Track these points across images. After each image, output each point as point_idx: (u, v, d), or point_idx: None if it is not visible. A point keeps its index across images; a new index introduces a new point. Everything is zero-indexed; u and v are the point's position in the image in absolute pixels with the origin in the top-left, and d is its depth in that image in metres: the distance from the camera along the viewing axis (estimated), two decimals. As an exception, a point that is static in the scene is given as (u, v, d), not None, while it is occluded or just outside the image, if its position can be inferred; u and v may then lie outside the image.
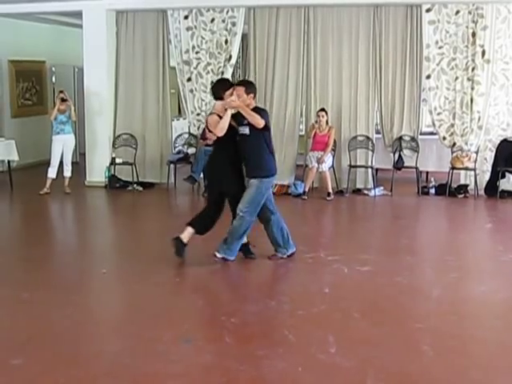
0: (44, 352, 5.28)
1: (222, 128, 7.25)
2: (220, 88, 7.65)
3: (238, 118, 7.36)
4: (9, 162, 13.36)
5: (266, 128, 7.41)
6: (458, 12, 11.58)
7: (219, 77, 12.71)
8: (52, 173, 12.44)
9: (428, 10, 11.69)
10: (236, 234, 7.47)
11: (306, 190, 11.89)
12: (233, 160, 7.58)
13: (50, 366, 4.98)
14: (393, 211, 11.44)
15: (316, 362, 4.91)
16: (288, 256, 7.81)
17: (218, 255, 7.50)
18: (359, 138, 12.41)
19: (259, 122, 7.20)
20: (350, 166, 12.34)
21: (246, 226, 7.44)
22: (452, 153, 12.07)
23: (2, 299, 6.53)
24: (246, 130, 7.37)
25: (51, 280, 7.22)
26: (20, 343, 5.47)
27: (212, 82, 12.10)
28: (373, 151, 12.43)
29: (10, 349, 5.33)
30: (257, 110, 7.45)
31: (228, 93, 7.45)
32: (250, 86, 7.64)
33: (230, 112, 7.26)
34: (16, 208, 12.27)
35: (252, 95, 7.53)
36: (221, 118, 7.32)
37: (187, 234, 7.59)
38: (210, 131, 7.65)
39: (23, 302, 6.40)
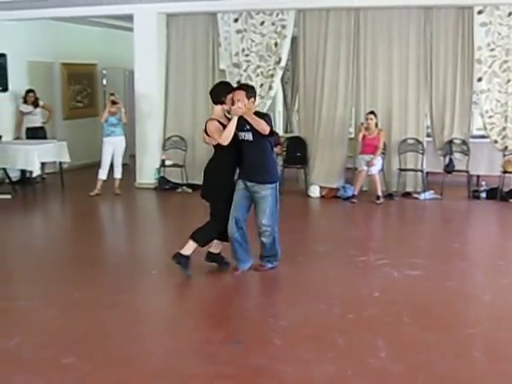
0: (94, 351, 5.33)
1: (227, 137, 6.93)
2: (221, 92, 7.20)
3: (239, 122, 6.96)
4: (60, 163, 13.59)
5: (271, 133, 7.12)
6: (510, 14, 11.40)
7: (269, 80, 12.77)
8: (103, 174, 12.61)
9: (480, 12, 11.51)
10: (272, 246, 7.37)
11: (356, 193, 11.82)
12: (233, 165, 7.28)
13: (100, 366, 5.03)
14: (443, 215, 11.32)
15: (366, 367, 4.88)
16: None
17: (267, 265, 7.42)
18: (409, 141, 12.28)
19: (265, 129, 6.88)
20: (400, 170, 12.25)
21: (275, 236, 7.36)
22: (504, 156, 11.91)
23: (55, 298, 6.63)
24: (248, 136, 7.03)
25: (102, 280, 7.30)
26: (71, 342, 5.54)
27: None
28: (423, 154, 12.29)
29: (61, 348, 5.41)
30: (259, 114, 7.12)
31: (229, 97, 7.06)
32: (251, 91, 7.22)
33: (235, 119, 6.88)
34: (67, 209, 12.43)
35: (253, 99, 7.16)
36: (221, 123, 7.07)
37: (215, 245, 7.44)
38: (208, 135, 7.19)
39: (75, 302, 6.47)
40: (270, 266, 7.43)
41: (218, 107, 7.18)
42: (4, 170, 13.16)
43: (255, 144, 7.08)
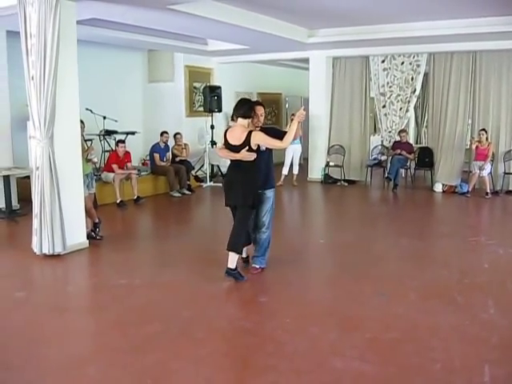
0: (282, 293, 5.48)
1: (290, 141, 5.59)
2: (251, 108, 5.71)
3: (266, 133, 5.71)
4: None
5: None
6: None
7: (406, 105, 12.57)
8: (285, 171, 12.84)
9: None
10: (267, 244, 6.15)
11: (470, 189, 11.36)
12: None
13: (286, 304, 5.17)
14: (539, 208, 10.69)
15: (479, 319, 4.74)
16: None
17: (257, 266, 6.15)
18: (513, 152, 11.69)
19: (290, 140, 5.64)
20: (505, 173, 11.62)
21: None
22: None
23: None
24: (264, 146, 5.81)
25: (284, 246, 7.36)
26: (267, 286, 5.75)
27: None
28: (524, 162, 11.65)
29: (259, 290, 5.61)
30: (266, 128, 5.96)
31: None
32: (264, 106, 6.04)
33: (296, 125, 5.56)
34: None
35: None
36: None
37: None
38: (251, 150, 5.62)
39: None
40: (259, 266, 6.17)
41: (245, 121, 5.69)
42: (218, 166, 13.67)
43: (269, 152, 5.99)
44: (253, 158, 5.66)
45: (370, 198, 12.07)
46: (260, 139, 5.63)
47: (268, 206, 6.04)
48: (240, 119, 5.73)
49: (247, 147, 5.62)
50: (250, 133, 5.63)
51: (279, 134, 5.72)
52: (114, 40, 10.76)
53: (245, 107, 5.74)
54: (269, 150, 5.94)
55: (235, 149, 5.70)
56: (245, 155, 5.64)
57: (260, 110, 5.84)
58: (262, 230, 6.07)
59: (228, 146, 5.77)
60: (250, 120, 5.73)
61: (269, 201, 6.04)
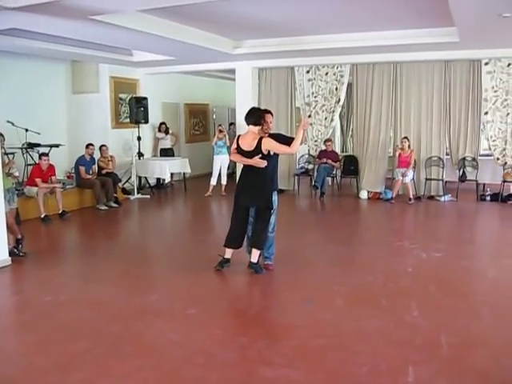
0: (211, 304, 5.43)
1: (297, 147, 6.04)
2: (261, 116, 6.15)
3: (275, 139, 6.16)
4: (184, 173, 13.85)
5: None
6: (509, 64, 11.18)
7: (331, 114, 12.79)
8: (213, 181, 12.81)
9: (486, 64, 11.32)
10: (272, 242, 6.64)
11: (393, 196, 11.73)
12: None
13: (215, 315, 5.14)
14: (458, 212, 11.05)
15: (403, 322, 4.87)
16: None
17: (270, 263, 6.69)
18: (433, 158, 12.08)
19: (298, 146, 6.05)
20: (426, 179, 12.06)
21: None
22: (504, 170, 11.61)
23: (181, 267, 6.69)
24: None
25: (210, 255, 7.35)
26: (195, 297, 5.65)
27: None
28: (443, 168, 12.08)
29: (187, 302, 5.52)
30: (274, 134, 6.33)
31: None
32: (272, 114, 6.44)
33: (302, 132, 6.00)
34: (188, 205, 12.63)
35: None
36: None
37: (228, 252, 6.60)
38: (263, 157, 6.08)
39: (198, 269, 6.55)
40: (271, 262, 6.72)
41: (256, 128, 6.13)
42: (145, 178, 13.53)
43: (276, 158, 6.34)
44: (264, 165, 6.09)
45: (298, 206, 12.22)
46: (270, 145, 6.05)
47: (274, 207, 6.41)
48: (251, 126, 6.18)
49: (260, 154, 6.06)
50: (260, 139, 6.08)
51: (287, 141, 6.15)
52: (36, 50, 10.47)
53: (256, 115, 6.21)
54: (276, 155, 6.29)
55: (247, 154, 6.14)
56: (258, 162, 6.09)
57: (269, 118, 6.27)
58: (270, 231, 6.47)
59: (240, 151, 6.21)
60: (260, 127, 6.15)
61: (274, 203, 6.38)
